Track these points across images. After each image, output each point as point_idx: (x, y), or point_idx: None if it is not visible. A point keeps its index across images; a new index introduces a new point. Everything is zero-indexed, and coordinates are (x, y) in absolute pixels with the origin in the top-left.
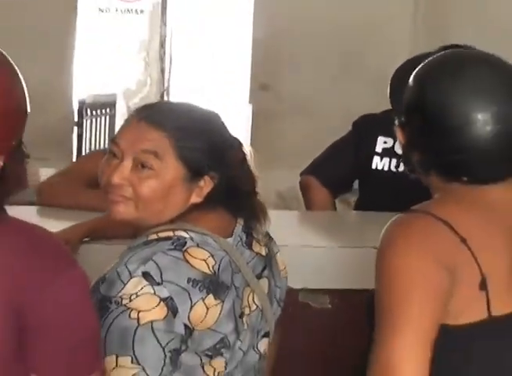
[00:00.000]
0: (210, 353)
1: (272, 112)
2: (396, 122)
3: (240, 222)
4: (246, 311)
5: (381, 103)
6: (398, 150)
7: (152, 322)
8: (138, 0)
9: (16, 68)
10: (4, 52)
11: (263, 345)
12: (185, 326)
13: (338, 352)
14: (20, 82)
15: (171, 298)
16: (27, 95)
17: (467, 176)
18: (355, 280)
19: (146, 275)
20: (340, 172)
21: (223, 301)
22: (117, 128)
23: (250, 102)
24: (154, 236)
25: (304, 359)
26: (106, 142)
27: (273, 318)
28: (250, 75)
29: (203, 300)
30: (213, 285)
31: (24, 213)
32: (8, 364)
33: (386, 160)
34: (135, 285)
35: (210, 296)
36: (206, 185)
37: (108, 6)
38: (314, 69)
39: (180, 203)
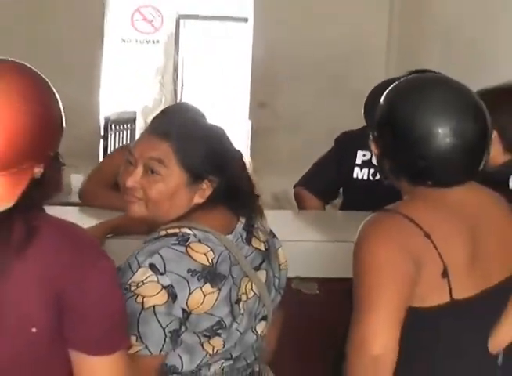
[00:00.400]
0: (208, 334)
1: (269, 127)
2: (370, 136)
3: (242, 221)
4: (243, 298)
5: (362, 120)
6: (375, 161)
7: (154, 306)
8: (155, 32)
9: (53, 89)
10: (43, 76)
11: (260, 327)
12: (183, 310)
13: (324, 331)
14: (58, 101)
15: (172, 286)
16: (62, 112)
17: (431, 180)
18: (340, 269)
19: (152, 266)
20: (326, 183)
21: (220, 289)
22: None
23: (249, 118)
24: (163, 233)
25: (295, 337)
26: None
27: (271, 304)
28: (250, 94)
29: (201, 288)
30: (210, 275)
31: (62, 212)
32: (51, 342)
33: (365, 170)
34: (142, 274)
35: (208, 285)
36: (207, 187)
37: (129, 37)
38: (305, 89)
39: (184, 203)
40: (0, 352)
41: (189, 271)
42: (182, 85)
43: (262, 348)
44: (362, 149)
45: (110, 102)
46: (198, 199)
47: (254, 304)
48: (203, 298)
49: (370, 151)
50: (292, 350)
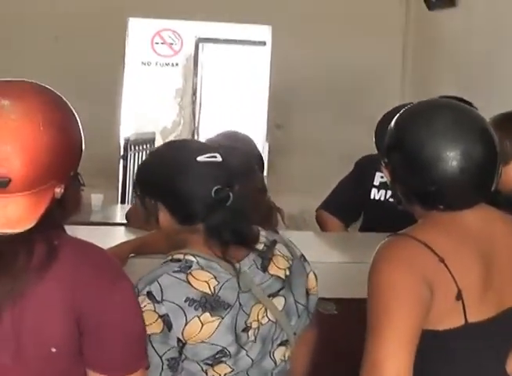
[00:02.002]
0: (210, 362)
1: (285, 149)
2: (381, 162)
3: (259, 248)
4: (254, 325)
5: (372, 141)
6: None
7: (150, 335)
8: (174, 55)
9: (73, 110)
10: (63, 97)
11: (279, 352)
12: (178, 339)
13: (342, 351)
14: (77, 122)
15: (168, 315)
16: (82, 133)
17: (442, 204)
18: (357, 290)
19: (150, 294)
20: (345, 204)
21: (222, 318)
22: None
23: (267, 139)
24: (169, 258)
25: (312, 358)
26: None
27: (292, 329)
28: (267, 116)
29: (199, 317)
30: (211, 304)
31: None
32: (69, 362)
33: (382, 191)
34: (140, 302)
35: (207, 314)
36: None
37: (149, 60)
38: (320, 113)
39: None
40: (19, 371)
41: (186, 300)
42: (200, 107)
43: (286, 373)
44: (380, 170)
45: (130, 123)
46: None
47: (270, 330)
48: (200, 327)
49: None
50: (310, 371)
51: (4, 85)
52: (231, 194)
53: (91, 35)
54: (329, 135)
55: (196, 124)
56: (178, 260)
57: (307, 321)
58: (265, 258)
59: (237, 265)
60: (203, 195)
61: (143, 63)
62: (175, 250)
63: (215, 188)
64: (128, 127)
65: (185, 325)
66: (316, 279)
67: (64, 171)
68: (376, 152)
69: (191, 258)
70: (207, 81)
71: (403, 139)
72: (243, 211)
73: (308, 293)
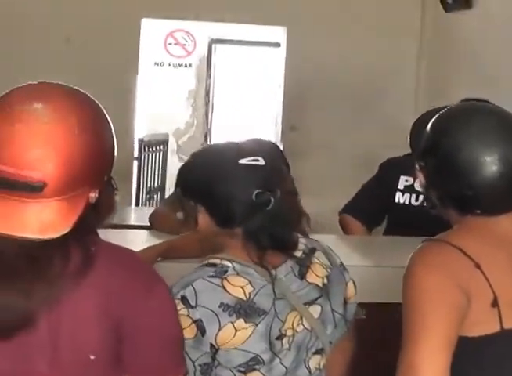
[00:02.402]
0: (242, 369)
1: (299, 150)
2: (416, 165)
3: (296, 255)
4: (289, 332)
5: (390, 146)
6: (417, 187)
7: (184, 339)
8: (187, 56)
9: (106, 114)
10: (96, 100)
11: (314, 361)
12: (211, 345)
13: (371, 354)
14: (110, 126)
15: (201, 320)
16: (114, 137)
17: (479, 209)
18: (386, 295)
19: (184, 299)
20: (369, 208)
21: (256, 325)
22: (169, 162)
23: (281, 141)
24: (205, 262)
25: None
26: (160, 173)
27: (328, 337)
28: (282, 118)
29: (233, 323)
30: (245, 310)
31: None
32: (106, 368)
33: (407, 195)
34: None
35: (241, 320)
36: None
37: (162, 61)
38: (335, 114)
39: None
40: None
41: (221, 305)
42: (213, 109)
43: None
44: (405, 174)
45: (144, 124)
46: None
47: (305, 338)
48: (234, 334)
49: (413, 176)
50: None
51: (35, 88)
52: (272, 198)
53: (104, 37)
54: (344, 137)
55: (209, 126)
56: (214, 265)
57: (344, 330)
58: (303, 266)
59: (273, 272)
60: (244, 198)
61: (156, 64)
62: (211, 253)
63: (256, 192)
64: (142, 128)
65: (219, 331)
66: (355, 287)
67: (99, 176)
68: (397, 155)
69: (227, 263)
70: (221, 83)
71: (440, 143)
72: (283, 216)
73: (346, 302)
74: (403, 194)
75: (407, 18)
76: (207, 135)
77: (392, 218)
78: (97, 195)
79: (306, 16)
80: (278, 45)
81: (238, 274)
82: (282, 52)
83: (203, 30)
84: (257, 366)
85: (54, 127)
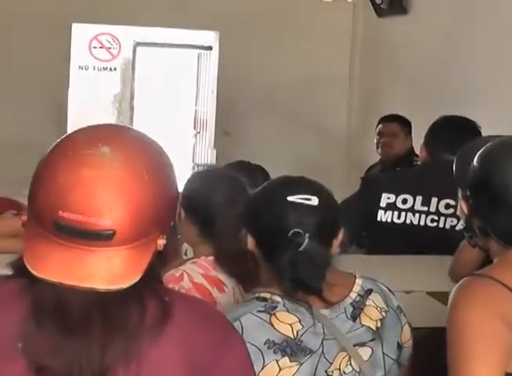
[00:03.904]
0: None
1: (233, 155)
2: (460, 195)
3: (352, 297)
4: (336, 373)
5: (321, 148)
6: (399, 204)
7: None
8: (112, 59)
9: (167, 154)
10: (155, 140)
11: None
12: None
13: None
14: (173, 168)
15: None
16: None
17: None
18: None
19: None
20: (350, 225)
21: (301, 364)
22: None
23: (214, 146)
24: (256, 295)
25: None
26: None
27: None
28: (215, 123)
29: (277, 361)
30: (291, 348)
31: None
32: None
33: (389, 213)
34: None
35: (286, 358)
36: None
37: (87, 64)
38: (267, 119)
39: None
40: None
41: (266, 342)
42: (132, 112)
43: None
44: (387, 191)
45: (73, 128)
46: None
47: None
48: (277, 372)
49: (395, 194)
50: None
51: (99, 131)
52: (306, 240)
53: (36, 38)
54: (277, 141)
55: None
56: (265, 299)
57: (396, 375)
58: (357, 308)
59: (325, 312)
60: (281, 235)
61: (81, 68)
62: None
63: (293, 231)
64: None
65: (262, 368)
66: (412, 331)
67: (166, 221)
68: (332, 160)
69: (277, 298)
70: (145, 87)
71: (490, 177)
72: (314, 259)
73: (400, 346)
74: (385, 212)
75: (339, 24)
76: None
77: (374, 237)
78: (165, 241)
79: (239, 22)
80: (210, 48)
81: (288, 311)
82: (214, 56)
83: (129, 33)
84: None
85: (123, 172)
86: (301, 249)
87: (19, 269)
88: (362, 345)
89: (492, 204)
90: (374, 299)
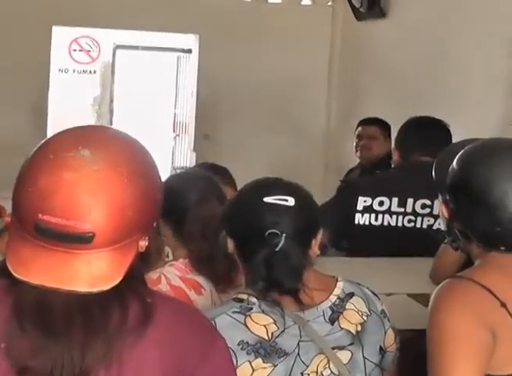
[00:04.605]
0: None
1: (213, 158)
2: (440, 199)
3: (331, 300)
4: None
5: (300, 151)
6: (376, 206)
7: None
8: (92, 62)
9: (152, 156)
10: (141, 143)
11: None
12: None
13: None
14: (157, 169)
15: None
16: (161, 180)
17: (505, 246)
18: None
19: None
20: (328, 229)
21: (275, 366)
22: None
23: (194, 150)
24: (234, 296)
25: None
26: None
27: None
28: (195, 126)
29: (250, 362)
30: (265, 350)
31: None
32: None
33: (366, 215)
34: None
35: (259, 359)
36: None
37: (67, 67)
38: (246, 122)
39: None
40: None
41: (240, 343)
42: (112, 115)
43: None
44: (363, 195)
45: (52, 131)
46: None
47: None
48: (251, 373)
49: (371, 197)
50: None
51: (79, 133)
52: (282, 240)
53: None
54: (256, 144)
55: None
56: (241, 300)
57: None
58: (335, 312)
59: (301, 314)
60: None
61: (60, 70)
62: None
63: (269, 231)
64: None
65: (235, 369)
66: (395, 336)
67: (149, 223)
68: (310, 164)
69: (254, 299)
70: (125, 89)
71: (469, 179)
72: (290, 260)
73: (383, 350)
74: (362, 215)
75: (318, 27)
76: None
77: (353, 240)
78: (147, 243)
79: (219, 25)
80: (189, 51)
81: (263, 312)
82: (194, 59)
83: (109, 36)
84: None
85: (103, 174)
86: (277, 249)
87: (1, 270)
88: (341, 348)
89: (472, 207)
90: (355, 303)
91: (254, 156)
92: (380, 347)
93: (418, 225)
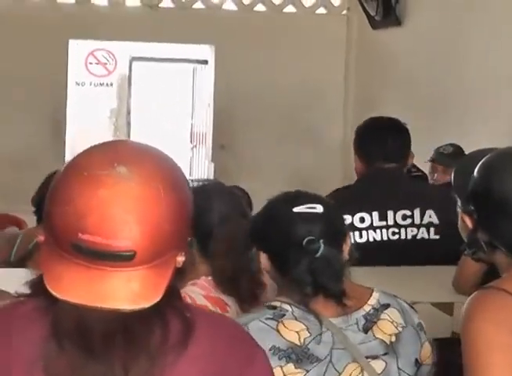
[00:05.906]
0: None
1: (230, 169)
2: (461, 209)
3: (366, 309)
4: None
5: (317, 160)
6: (357, 223)
7: None
8: (108, 75)
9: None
10: (171, 158)
11: None
12: None
13: None
14: (189, 186)
15: None
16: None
17: None
18: None
19: None
20: None
21: (307, 371)
22: None
23: (212, 160)
24: (267, 304)
25: None
26: None
27: None
28: (212, 137)
29: (282, 367)
30: (297, 355)
31: None
32: None
33: (349, 234)
34: None
35: (290, 365)
36: None
37: (83, 81)
38: (263, 132)
39: None
40: None
41: (272, 348)
42: (129, 127)
43: None
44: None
45: (71, 144)
46: None
47: None
48: None
49: (350, 214)
50: None
51: (111, 149)
52: (322, 246)
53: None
54: (273, 154)
55: None
56: (274, 307)
57: None
58: (369, 321)
59: (334, 320)
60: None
61: (77, 84)
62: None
63: (307, 239)
64: (70, 149)
65: None
66: (432, 349)
67: (184, 238)
68: (327, 173)
69: (286, 306)
70: (141, 101)
71: (493, 188)
72: (332, 265)
73: (419, 363)
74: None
75: (333, 36)
76: None
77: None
78: (184, 258)
79: (235, 36)
80: (205, 62)
81: (296, 319)
82: (210, 70)
83: (125, 48)
84: None
85: (140, 191)
86: (317, 255)
87: (37, 288)
88: (375, 357)
89: (498, 216)
90: (390, 314)
91: (270, 167)
92: (416, 359)
93: (403, 237)
